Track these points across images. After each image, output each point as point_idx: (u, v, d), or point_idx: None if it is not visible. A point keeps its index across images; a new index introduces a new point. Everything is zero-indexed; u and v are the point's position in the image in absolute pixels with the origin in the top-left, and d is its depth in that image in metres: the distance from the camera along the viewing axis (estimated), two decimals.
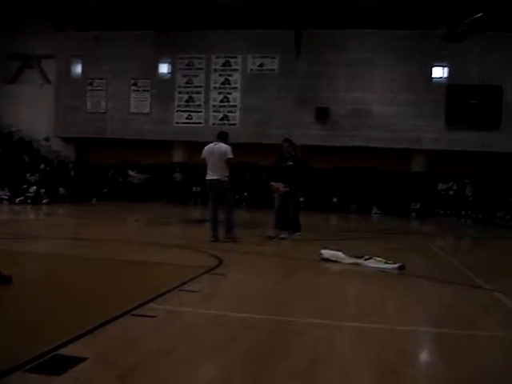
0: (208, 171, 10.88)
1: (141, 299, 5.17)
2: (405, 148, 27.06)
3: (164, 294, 5.56)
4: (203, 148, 11.22)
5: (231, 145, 11.14)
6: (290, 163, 12.14)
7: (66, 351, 3.67)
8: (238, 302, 5.57)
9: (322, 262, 8.56)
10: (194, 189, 28.65)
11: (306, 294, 6.09)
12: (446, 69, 26.85)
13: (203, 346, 4.03)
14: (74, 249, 9.31)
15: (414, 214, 26.83)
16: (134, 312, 4.77)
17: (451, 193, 27.29)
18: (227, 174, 10.83)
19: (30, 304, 5.11)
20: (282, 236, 11.88)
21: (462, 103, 26.30)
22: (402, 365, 3.80)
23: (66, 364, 3.47)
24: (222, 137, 11.18)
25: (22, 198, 21.81)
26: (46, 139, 29.75)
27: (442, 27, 25.40)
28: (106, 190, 27.40)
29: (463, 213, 26.74)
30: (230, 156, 10.78)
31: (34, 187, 22.66)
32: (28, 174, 23.74)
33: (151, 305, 5.08)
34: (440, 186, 27.51)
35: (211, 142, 11.18)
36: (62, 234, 11.67)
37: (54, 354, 3.60)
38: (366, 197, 27.51)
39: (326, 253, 8.87)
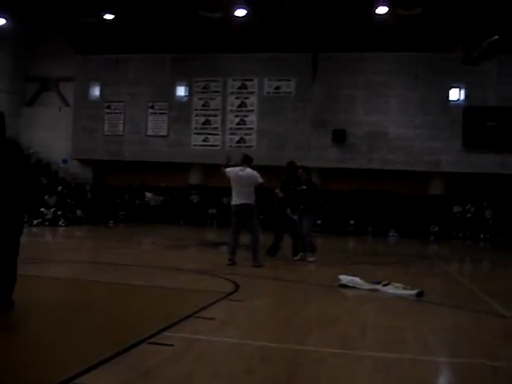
0: (234, 197, 10.94)
1: (157, 327, 5.15)
2: (422, 171, 26.93)
3: (180, 321, 5.53)
4: (219, 169, 11.30)
5: (255, 169, 11.25)
6: (304, 187, 12.39)
7: (84, 381, 3.64)
8: (256, 329, 5.52)
9: (339, 288, 8.48)
10: (210, 211, 28.72)
11: (324, 321, 6.01)
12: (463, 91, 26.78)
13: (220, 378, 3.97)
14: (91, 273, 9.29)
15: (432, 237, 26.60)
16: (150, 340, 4.74)
17: (469, 215, 27.05)
18: (254, 198, 10.90)
19: (47, 331, 5.11)
20: (309, 259, 12.19)
21: (479, 125, 26.16)
22: None
23: None
24: (248, 161, 11.22)
25: (40, 220, 21.90)
26: (64, 161, 29.94)
27: (458, 50, 25.37)
28: (122, 213, 27.47)
29: (482, 236, 26.50)
30: (261, 180, 10.96)
31: (52, 209, 22.76)
32: (46, 196, 23.85)
33: (167, 333, 5.05)
34: (456, 209, 27.28)
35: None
36: (79, 258, 11.67)
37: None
38: (383, 219, 27.35)
39: (344, 278, 8.79)
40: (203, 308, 6.21)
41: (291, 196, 12.66)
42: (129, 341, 4.60)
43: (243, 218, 10.91)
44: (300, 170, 12.74)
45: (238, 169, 11.07)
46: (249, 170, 11.01)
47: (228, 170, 11.12)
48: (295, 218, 12.50)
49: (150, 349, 4.52)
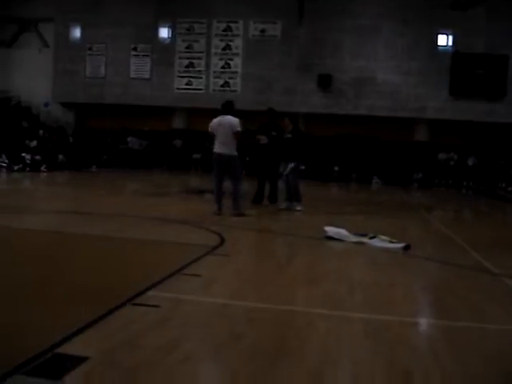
0: (216, 144, 10.73)
1: (141, 285, 5.00)
2: (408, 117, 26.77)
3: (165, 278, 5.39)
4: (203, 114, 11.11)
5: (236, 112, 10.96)
6: (289, 136, 12.26)
7: (66, 349, 3.48)
8: (243, 288, 5.41)
9: (326, 240, 8.40)
10: (195, 156, 28.49)
11: (312, 278, 5.91)
12: (450, 37, 26.43)
13: (207, 343, 3.86)
14: (70, 225, 9.03)
15: (415, 184, 26.67)
16: (134, 301, 4.60)
17: (452, 163, 27.08)
18: (234, 146, 10.66)
19: (20, 296, 4.76)
20: (297, 208, 12.15)
21: (466, 72, 25.93)
22: (414, 364, 3.66)
23: (66, 364, 3.29)
24: (228, 107, 10.89)
25: (21, 165, 21.49)
26: (46, 105, 29.39)
27: None
28: (105, 157, 27.14)
29: (464, 184, 26.62)
30: (239, 129, 10.59)
31: (29, 155, 22.15)
32: (27, 141, 23.42)
33: (152, 292, 4.91)
34: (441, 156, 27.28)
35: (213, 109, 11.00)
36: (59, 207, 11.42)
37: (53, 353, 3.41)
38: (367, 166, 27.33)
39: (330, 230, 8.70)
40: (188, 264, 6.08)
41: (277, 144, 12.55)
42: (112, 302, 4.46)
43: (223, 166, 10.77)
44: (286, 119, 12.56)
45: (219, 117, 10.80)
46: (230, 118, 10.67)
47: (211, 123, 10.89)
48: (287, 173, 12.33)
49: (134, 311, 4.38)
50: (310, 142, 20.05)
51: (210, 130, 10.82)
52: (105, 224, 9.09)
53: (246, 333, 4.06)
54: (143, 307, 4.47)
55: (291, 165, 12.18)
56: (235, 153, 10.69)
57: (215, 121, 10.80)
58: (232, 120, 10.63)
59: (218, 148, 10.69)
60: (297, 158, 12.36)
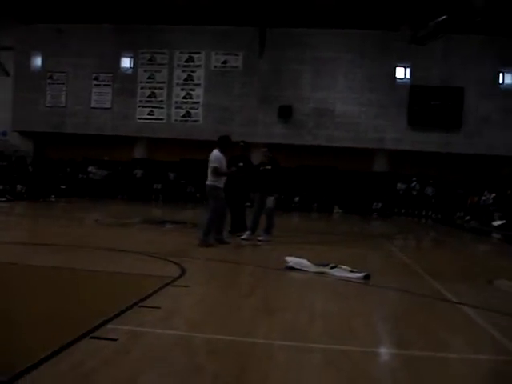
0: None
1: (99, 318, 4.91)
2: (367, 148, 27.15)
3: (124, 311, 5.30)
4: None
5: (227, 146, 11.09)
6: (268, 167, 12.32)
7: None
8: (203, 320, 5.36)
9: (287, 270, 8.39)
10: (155, 186, 28.36)
11: (272, 309, 5.89)
12: (408, 70, 27.03)
13: (167, 376, 3.80)
14: (27, 256, 8.85)
15: (375, 213, 26.94)
16: (92, 334, 4.51)
17: (414, 193, 27.43)
18: (216, 179, 10.78)
19: None
20: (259, 238, 12.19)
21: (424, 104, 26.51)
22: None
23: None
24: (219, 142, 11.10)
25: None
26: (3, 133, 29.00)
27: (405, 29, 25.51)
28: (64, 187, 26.78)
29: (424, 213, 27.01)
30: (215, 165, 10.72)
31: None
32: None
33: (111, 325, 4.82)
34: (399, 186, 27.66)
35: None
36: (16, 238, 11.20)
37: None
38: (327, 196, 27.54)
39: (291, 260, 8.71)
40: (148, 296, 6.00)
41: (243, 175, 12.50)
42: (69, 336, 4.36)
43: (208, 197, 10.99)
44: (264, 149, 12.79)
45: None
46: (213, 152, 10.88)
47: None
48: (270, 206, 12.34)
49: (92, 344, 4.29)
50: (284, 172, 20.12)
51: None
52: (63, 255, 8.93)
53: (207, 365, 4.01)
54: (101, 341, 4.39)
55: (272, 197, 12.22)
56: (215, 184, 10.81)
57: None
58: (213, 155, 10.85)
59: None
60: (277, 189, 12.44)
